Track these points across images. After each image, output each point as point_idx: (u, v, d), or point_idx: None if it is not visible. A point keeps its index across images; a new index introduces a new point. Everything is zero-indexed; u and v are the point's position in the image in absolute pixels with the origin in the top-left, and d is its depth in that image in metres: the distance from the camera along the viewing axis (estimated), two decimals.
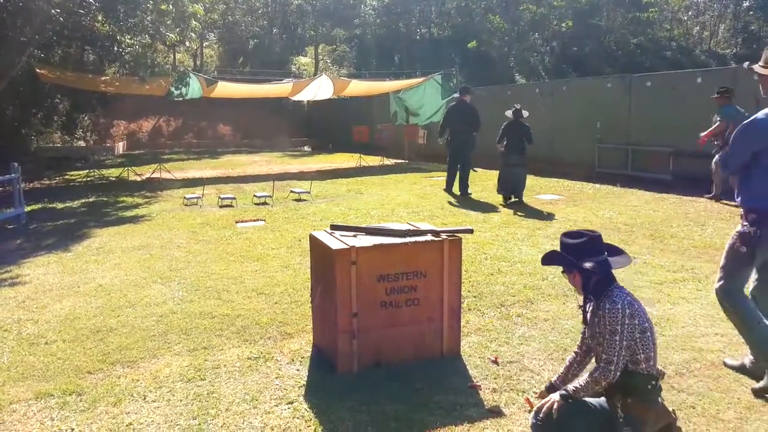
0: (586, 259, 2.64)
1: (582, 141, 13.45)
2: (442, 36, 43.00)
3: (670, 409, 2.65)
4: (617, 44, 42.35)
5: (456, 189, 10.93)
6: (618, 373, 2.55)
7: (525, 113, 9.92)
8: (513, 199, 9.90)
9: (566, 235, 2.76)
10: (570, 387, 2.61)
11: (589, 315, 2.72)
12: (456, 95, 13.00)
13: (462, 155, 10.93)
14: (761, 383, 3.28)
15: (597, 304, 2.64)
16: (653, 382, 2.57)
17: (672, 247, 6.63)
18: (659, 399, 2.62)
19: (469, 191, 10.78)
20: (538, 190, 11.28)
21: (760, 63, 3.27)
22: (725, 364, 3.57)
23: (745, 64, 3.49)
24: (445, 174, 11.43)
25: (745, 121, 3.29)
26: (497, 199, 10.16)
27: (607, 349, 2.55)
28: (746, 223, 3.28)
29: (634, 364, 2.58)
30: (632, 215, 8.49)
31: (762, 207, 3.22)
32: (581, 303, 2.78)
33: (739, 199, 3.35)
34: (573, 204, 9.61)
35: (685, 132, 10.61)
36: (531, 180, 12.47)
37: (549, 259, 2.79)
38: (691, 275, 5.49)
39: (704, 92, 10.35)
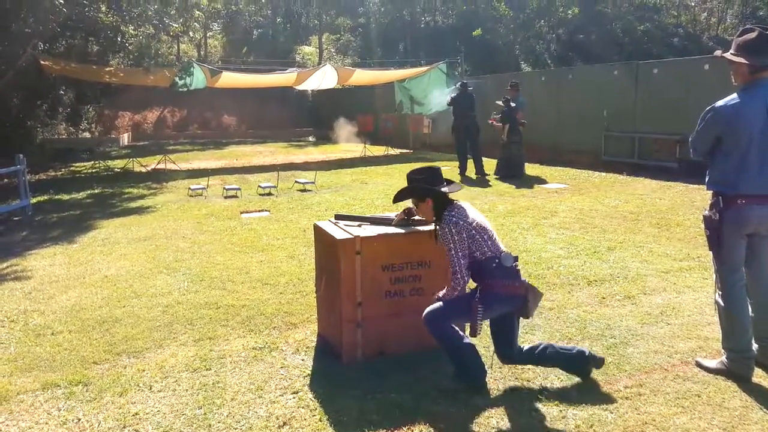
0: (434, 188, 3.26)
1: (588, 129, 13.34)
2: (447, 24, 42.63)
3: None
4: (624, 31, 41.88)
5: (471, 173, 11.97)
6: (466, 279, 3.17)
7: (513, 104, 11.68)
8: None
9: (413, 172, 3.39)
10: (441, 293, 3.27)
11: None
12: (458, 85, 13.10)
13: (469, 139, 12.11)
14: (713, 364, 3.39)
15: (438, 227, 3.24)
16: (496, 261, 3.14)
17: (678, 235, 6.59)
18: (520, 277, 3.18)
19: (485, 173, 11.84)
20: (544, 179, 11.23)
21: (731, 51, 3.30)
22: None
23: (717, 53, 3.47)
24: (447, 163, 11.98)
25: (708, 108, 3.35)
26: (502, 187, 10.13)
27: (450, 263, 3.18)
28: (708, 208, 3.38)
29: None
30: (638, 204, 8.45)
31: (721, 190, 3.29)
32: (433, 227, 3.37)
33: (706, 183, 3.43)
34: (579, 193, 9.57)
35: (693, 119, 10.41)
36: (537, 169, 12.47)
37: (408, 192, 3.39)
38: (697, 263, 5.46)
39: (712, 79, 10.24)
